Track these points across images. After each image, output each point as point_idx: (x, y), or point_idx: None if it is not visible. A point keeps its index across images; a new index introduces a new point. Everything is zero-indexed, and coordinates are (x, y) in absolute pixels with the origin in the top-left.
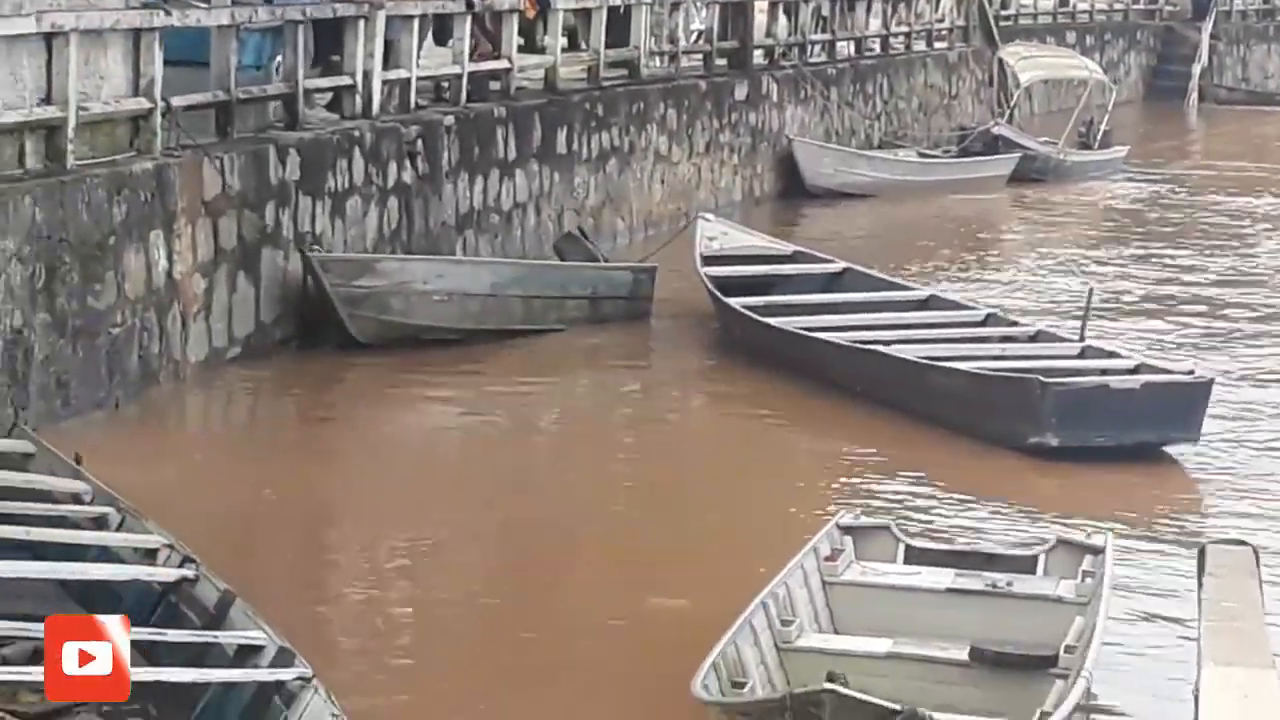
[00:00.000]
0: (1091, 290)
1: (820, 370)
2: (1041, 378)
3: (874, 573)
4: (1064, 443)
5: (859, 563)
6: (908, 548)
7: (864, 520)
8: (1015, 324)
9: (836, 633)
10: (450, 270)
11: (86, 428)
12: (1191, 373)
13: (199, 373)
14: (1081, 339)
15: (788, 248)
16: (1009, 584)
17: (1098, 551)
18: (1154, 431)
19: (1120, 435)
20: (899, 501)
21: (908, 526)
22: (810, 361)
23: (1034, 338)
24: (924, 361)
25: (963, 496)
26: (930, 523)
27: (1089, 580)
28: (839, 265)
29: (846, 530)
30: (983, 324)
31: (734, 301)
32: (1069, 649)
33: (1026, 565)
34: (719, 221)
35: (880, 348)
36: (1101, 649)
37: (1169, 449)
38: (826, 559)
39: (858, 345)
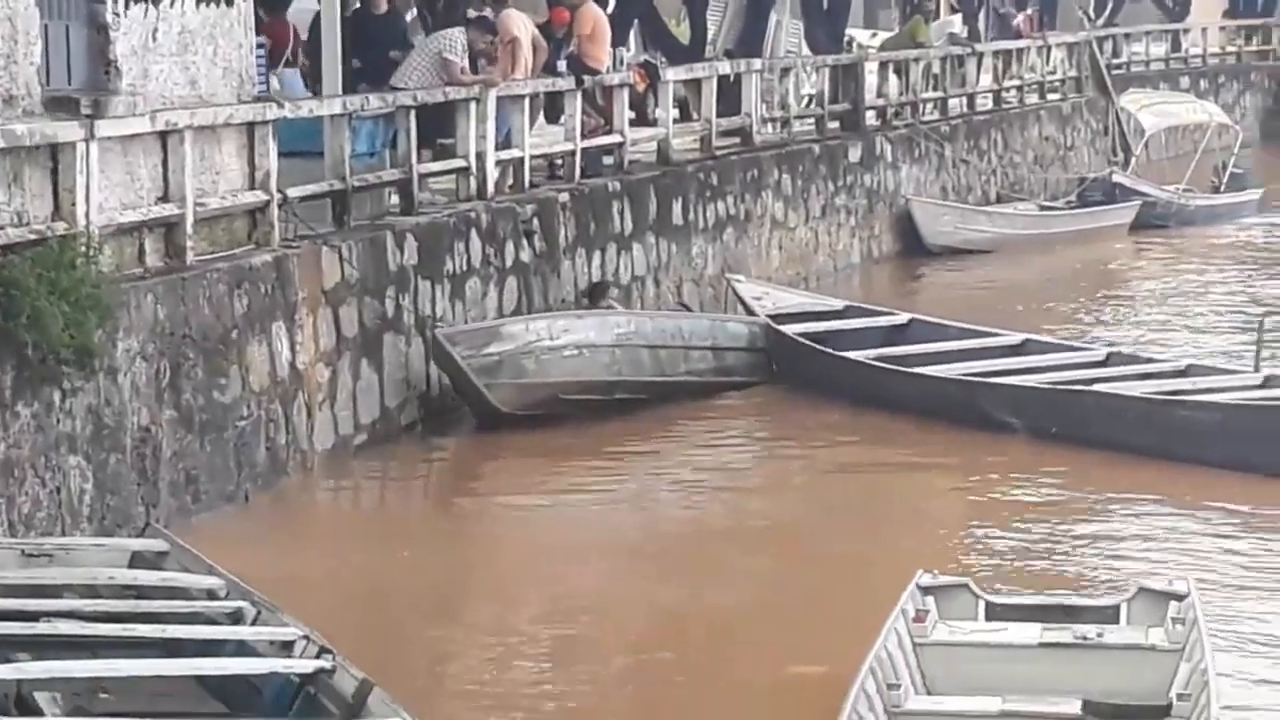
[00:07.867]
0: (1263, 320)
1: (990, 415)
2: None
3: (961, 631)
4: None
5: (944, 622)
6: (988, 604)
7: (943, 579)
8: (1151, 360)
9: (929, 693)
10: (575, 324)
11: (218, 522)
12: None
13: (327, 462)
14: (1257, 369)
15: (838, 302)
16: (1099, 635)
17: (1181, 598)
18: None
19: None
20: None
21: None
22: (973, 407)
23: (1183, 372)
24: (1162, 398)
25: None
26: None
27: (1179, 627)
28: (903, 317)
29: (927, 590)
30: (1104, 363)
31: (859, 355)
32: (1182, 697)
33: (1110, 615)
34: (752, 282)
35: (1099, 388)
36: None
37: None
38: (914, 620)
39: (1062, 387)
